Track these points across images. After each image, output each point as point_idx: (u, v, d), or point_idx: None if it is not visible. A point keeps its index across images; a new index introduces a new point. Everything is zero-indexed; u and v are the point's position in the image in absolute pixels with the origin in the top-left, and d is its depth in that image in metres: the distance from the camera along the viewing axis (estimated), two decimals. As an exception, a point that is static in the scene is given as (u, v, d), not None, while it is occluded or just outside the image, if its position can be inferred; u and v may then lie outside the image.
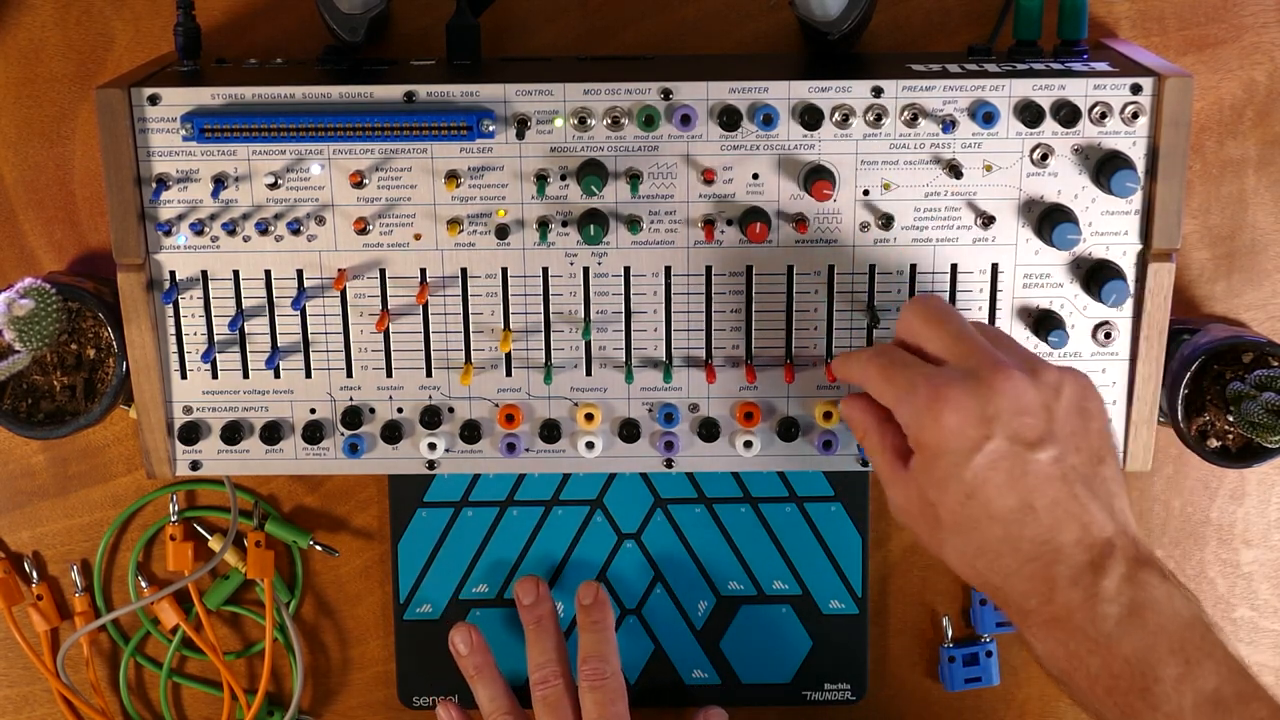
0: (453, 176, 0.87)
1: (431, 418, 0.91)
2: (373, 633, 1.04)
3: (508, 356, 0.91)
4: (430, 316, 0.90)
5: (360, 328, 0.91)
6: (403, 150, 0.87)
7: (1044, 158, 0.87)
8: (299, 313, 0.90)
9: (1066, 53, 0.91)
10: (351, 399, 0.92)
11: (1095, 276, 0.88)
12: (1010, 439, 0.75)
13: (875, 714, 1.04)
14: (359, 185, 0.87)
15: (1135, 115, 0.86)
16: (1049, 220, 0.87)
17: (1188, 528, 1.02)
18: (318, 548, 1.02)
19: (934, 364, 0.79)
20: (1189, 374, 0.92)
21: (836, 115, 0.86)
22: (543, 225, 0.88)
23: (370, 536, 1.03)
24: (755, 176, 0.88)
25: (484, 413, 0.92)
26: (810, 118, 0.86)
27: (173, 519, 1.01)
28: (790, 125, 0.87)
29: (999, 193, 0.88)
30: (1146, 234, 0.88)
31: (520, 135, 0.86)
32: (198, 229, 0.88)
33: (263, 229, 0.89)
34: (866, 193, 0.88)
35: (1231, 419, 0.92)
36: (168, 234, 0.89)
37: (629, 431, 0.92)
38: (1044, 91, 0.86)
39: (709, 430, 0.91)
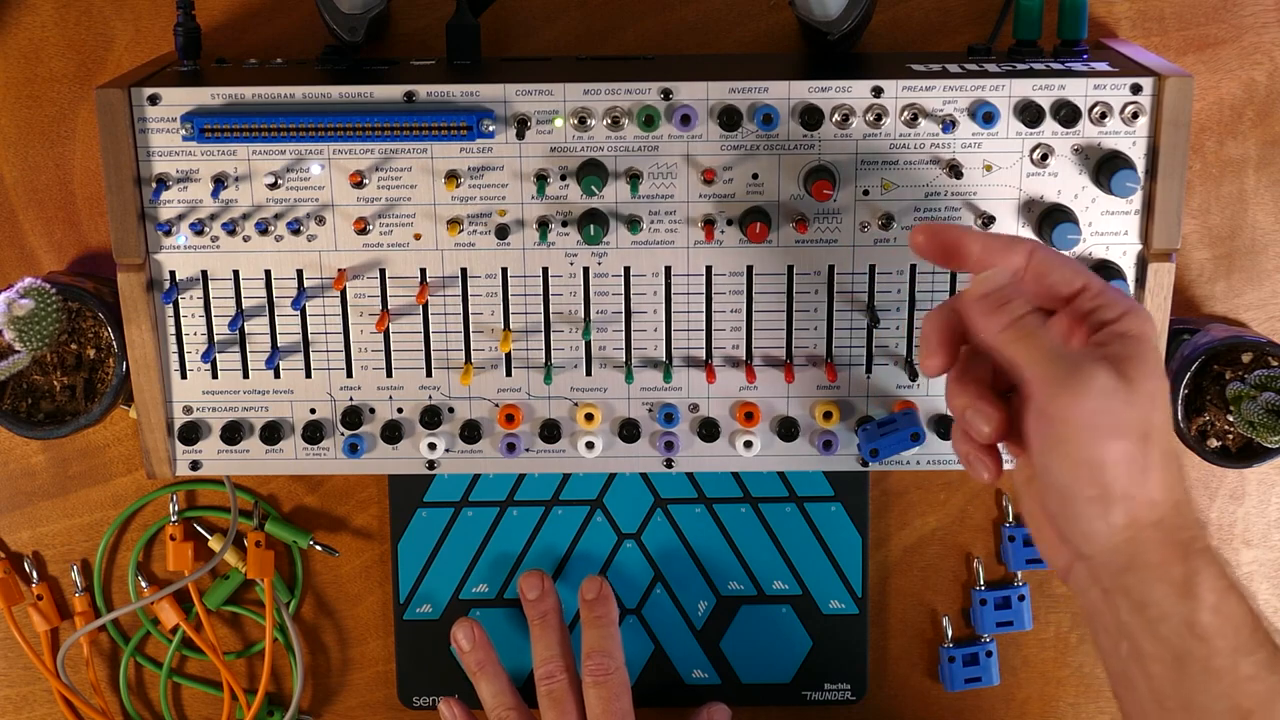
0: (453, 176, 0.87)
1: (431, 418, 0.91)
2: (373, 633, 1.04)
3: (508, 356, 0.91)
4: (430, 316, 0.90)
5: (360, 328, 0.90)
6: (403, 150, 0.87)
7: (1044, 158, 0.87)
8: (299, 313, 0.90)
9: (1066, 53, 0.91)
10: (351, 399, 0.92)
11: (1095, 276, 0.88)
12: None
13: (875, 714, 1.04)
14: (359, 185, 0.87)
15: (1135, 115, 0.86)
16: (1049, 220, 0.87)
17: (1188, 528, 1.02)
18: (318, 548, 1.02)
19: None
20: (1189, 374, 0.92)
21: (836, 115, 0.86)
22: (543, 225, 0.88)
23: (370, 536, 1.03)
24: (755, 176, 0.88)
25: (484, 413, 0.92)
26: (810, 118, 0.86)
27: (173, 519, 1.01)
28: (790, 125, 0.87)
29: (999, 193, 0.88)
30: (1146, 234, 0.88)
31: (520, 135, 0.86)
32: (198, 229, 0.88)
33: (263, 229, 0.89)
34: (866, 193, 0.88)
35: (1231, 419, 0.92)
36: (168, 234, 0.89)
37: (629, 431, 0.92)
38: (1044, 91, 0.86)
39: (709, 430, 0.91)
